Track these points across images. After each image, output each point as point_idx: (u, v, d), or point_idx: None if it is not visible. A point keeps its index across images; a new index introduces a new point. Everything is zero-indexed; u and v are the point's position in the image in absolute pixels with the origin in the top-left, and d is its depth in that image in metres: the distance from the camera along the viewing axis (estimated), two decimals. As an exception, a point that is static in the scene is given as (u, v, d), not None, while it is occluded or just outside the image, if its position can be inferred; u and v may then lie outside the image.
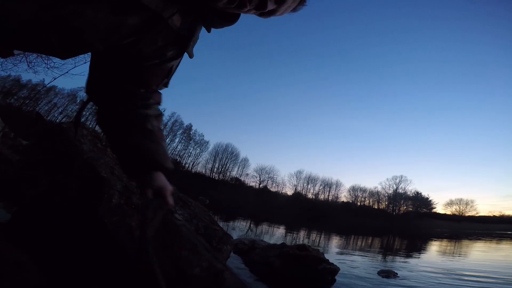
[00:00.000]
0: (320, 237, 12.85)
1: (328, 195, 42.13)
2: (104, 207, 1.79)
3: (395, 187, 42.64)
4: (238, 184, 39.62)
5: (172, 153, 40.56)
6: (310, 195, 41.33)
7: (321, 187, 42.02)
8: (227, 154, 41.95)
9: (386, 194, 42.42)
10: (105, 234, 1.72)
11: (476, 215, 43.34)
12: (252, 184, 41.42)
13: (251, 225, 11.21)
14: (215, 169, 41.69)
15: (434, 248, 12.52)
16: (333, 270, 4.08)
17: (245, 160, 43.64)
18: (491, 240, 17.98)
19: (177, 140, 41.49)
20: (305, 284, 3.68)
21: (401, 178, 43.37)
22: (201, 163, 45.20)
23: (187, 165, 40.78)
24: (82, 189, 1.94)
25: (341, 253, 7.28)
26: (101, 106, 0.79)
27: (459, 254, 9.82)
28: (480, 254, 10.64)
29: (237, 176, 41.89)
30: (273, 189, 40.54)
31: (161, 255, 1.97)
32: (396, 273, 4.92)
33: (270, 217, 20.28)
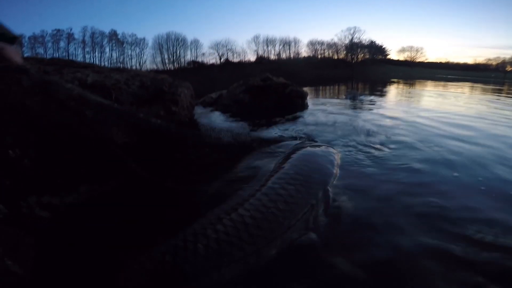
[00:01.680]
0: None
1: (289, 53, 41.38)
2: None
3: (350, 37, 42.98)
4: (197, 67, 37.02)
5: (110, 64, 36.61)
6: (272, 57, 40.32)
7: (281, 46, 40.56)
8: (172, 42, 37.60)
9: (343, 45, 42.93)
10: None
11: (426, 61, 46.05)
12: (212, 61, 38.87)
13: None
14: (166, 61, 37.90)
15: (393, 88, 13.31)
16: (301, 93, 3.96)
17: (196, 41, 39.09)
18: (438, 83, 19.49)
19: (107, 50, 36.56)
20: (279, 111, 3.56)
21: (355, 28, 43.18)
22: (148, 60, 40.97)
23: (134, 67, 37.17)
24: None
25: (314, 97, 7.40)
26: None
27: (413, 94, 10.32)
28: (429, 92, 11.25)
29: (193, 59, 38.44)
30: (235, 60, 38.62)
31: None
32: (360, 96, 5.11)
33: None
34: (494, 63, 44.30)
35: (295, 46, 41.53)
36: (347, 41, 43.00)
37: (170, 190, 1.50)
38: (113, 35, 37.36)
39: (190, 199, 1.44)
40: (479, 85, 16.76)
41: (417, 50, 47.40)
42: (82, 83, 3.02)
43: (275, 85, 3.86)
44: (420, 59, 47.56)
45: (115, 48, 37.98)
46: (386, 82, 19.75)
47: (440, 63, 49.71)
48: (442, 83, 17.63)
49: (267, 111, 3.63)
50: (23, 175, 1.39)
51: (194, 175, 1.67)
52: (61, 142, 1.67)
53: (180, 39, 37.70)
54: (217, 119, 3.46)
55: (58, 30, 34.19)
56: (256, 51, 39.36)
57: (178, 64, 38.06)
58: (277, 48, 40.38)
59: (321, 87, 15.02)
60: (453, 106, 4.38)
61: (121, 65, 37.86)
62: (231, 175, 1.56)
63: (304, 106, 3.82)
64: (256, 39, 39.89)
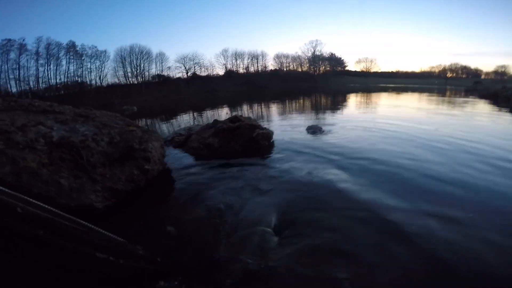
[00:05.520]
0: (260, 106, 13.64)
1: (257, 66, 42.57)
2: None
3: (312, 50, 46.16)
4: (163, 81, 36.12)
5: (66, 78, 34.16)
6: (241, 70, 41.02)
7: (249, 60, 41.57)
8: (136, 55, 36.44)
9: (306, 58, 45.87)
10: None
11: (379, 71, 51.29)
12: (179, 75, 38.25)
13: (194, 116, 10.92)
14: (129, 74, 36.45)
15: (352, 101, 14.78)
16: (267, 134, 4.23)
17: (161, 55, 38.25)
18: (391, 92, 22.11)
19: (64, 62, 34.13)
20: (247, 154, 3.80)
21: (317, 41, 46.59)
22: (109, 74, 38.99)
23: (93, 82, 35.11)
24: None
25: (279, 118, 7.86)
26: None
27: (372, 105, 11.78)
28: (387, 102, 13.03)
29: (158, 73, 37.52)
30: (203, 74, 38.44)
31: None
32: (321, 128, 5.48)
33: (209, 101, 20.12)
34: (436, 70, 50.22)
35: (262, 60, 42.83)
36: (309, 54, 45.81)
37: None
38: (71, 46, 34.95)
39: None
40: (425, 95, 19.15)
41: (371, 61, 52.32)
42: (48, 141, 2.98)
43: (244, 127, 4.11)
44: (374, 69, 52.48)
45: (72, 60, 35.49)
46: (346, 94, 21.47)
47: (392, 72, 54.97)
48: (394, 94, 19.85)
49: (236, 154, 3.86)
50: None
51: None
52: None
53: (144, 52, 36.68)
54: (189, 164, 3.60)
55: (9, 40, 31.06)
56: (225, 64, 39.76)
57: (142, 77, 36.84)
58: (245, 61, 41.28)
59: (287, 102, 15.87)
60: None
61: (79, 79, 35.49)
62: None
63: (270, 147, 4.12)
64: (224, 52, 40.35)
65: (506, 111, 8.80)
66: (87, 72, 35.61)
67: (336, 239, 1.85)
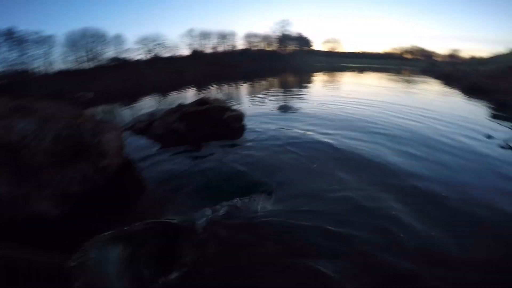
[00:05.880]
0: (230, 87, 13.14)
1: (226, 46, 40.69)
2: None
3: (281, 30, 46.03)
4: (121, 64, 33.10)
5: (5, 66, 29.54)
6: (208, 50, 38.92)
7: (217, 40, 39.47)
8: (87, 39, 32.34)
9: (276, 37, 45.72)
10: None
11: (344, 52, 52.68)
12: (139, 57, 35.20)
13: (159, 99, 10.15)
14: (82, 59, 32.55)
15: (319, 80, 14.92)
16: (238, 116, 4.05)
17: (118, 37, 34.54)
18: (355, 71, 22.78)
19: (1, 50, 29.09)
20: (218, 138, 3.59)
21: (286, 21, 46.27)
22: (58, 60, 34.43)
23: (38, 70, 30.64)
24: None
25: (250, 99, 7.64)
26: None
27: (337, 84, 12.10)
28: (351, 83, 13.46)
29: (116, 55, 34.10)
30: (166, 55, 35.82)
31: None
32: (292, 106, 5.56)
33: (174, 83, 18.96)
34: (397, 52, 52.94)
35: (231, 39, 41.11)
36: (279, 33, 45.41)
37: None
38: (9, 33, 29.87)
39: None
40: (385, 74, 20.12)
41: (336, 41, 53.66)
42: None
43: (213, 109, 3.87)
44: (339, 49, 53.83)
45: (12, 48, 30.41)
46: (313, 73, 21.76)
47: (357, 53, 56.97)
48: (357, 74, 20.67)
49: (206, 138, 3.63)
50: None
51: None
52: None
53: (99, 35, 32.70)
54: (152, 153, 3.31)
55: None
56: (191, 45, 37.30)
57: (97, 62, 33.28)
58: (213, 41, 39.12)
59: (257, 82, 15.51)
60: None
61: (21, 68, 31.10)
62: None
63: (242, 128, 3.95)
64: (190, 32, 37.73)
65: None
66: (31, 60, 31.08)
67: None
